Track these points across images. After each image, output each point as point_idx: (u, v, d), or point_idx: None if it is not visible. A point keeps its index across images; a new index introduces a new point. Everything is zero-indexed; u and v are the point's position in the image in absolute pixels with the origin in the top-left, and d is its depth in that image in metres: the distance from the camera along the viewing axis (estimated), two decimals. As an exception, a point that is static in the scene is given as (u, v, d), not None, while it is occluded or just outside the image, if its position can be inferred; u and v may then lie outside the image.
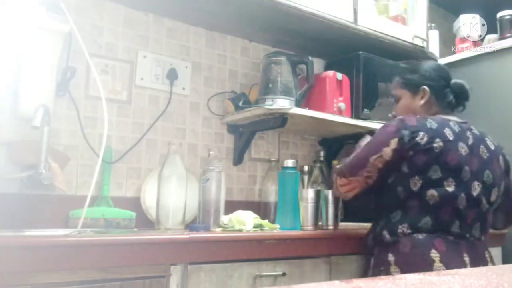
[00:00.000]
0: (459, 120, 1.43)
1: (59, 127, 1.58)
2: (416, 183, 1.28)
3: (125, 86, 1.75)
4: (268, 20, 1.86)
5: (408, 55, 2.24)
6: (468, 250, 1.29)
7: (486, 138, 1.43)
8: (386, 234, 1.32)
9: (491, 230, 2.03)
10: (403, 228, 1.29)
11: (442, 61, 2.43)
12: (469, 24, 2.44)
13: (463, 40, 2.45)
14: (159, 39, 1.85)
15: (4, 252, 0.92)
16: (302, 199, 1.57)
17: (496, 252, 2.00)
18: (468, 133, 1.38)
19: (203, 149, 1.90)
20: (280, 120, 1.78)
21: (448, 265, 1.22)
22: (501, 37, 2.30)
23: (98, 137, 1.64)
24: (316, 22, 1.85)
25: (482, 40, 2.41)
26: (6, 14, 1.41)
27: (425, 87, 1.45)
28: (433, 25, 2.46)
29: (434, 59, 2.39)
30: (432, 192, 1.28)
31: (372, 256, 1.37)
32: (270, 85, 1.82)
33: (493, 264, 1.37)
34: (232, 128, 1.98)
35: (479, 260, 1.31)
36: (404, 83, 1.51)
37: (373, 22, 2.02)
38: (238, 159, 1.99)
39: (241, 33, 2.04)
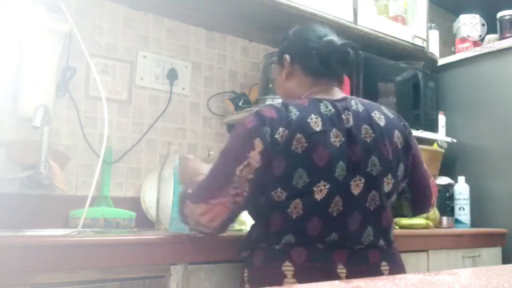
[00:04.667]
0: (335, 97, 1.11)
1: (59, 127, 1.58)
2: (280, 195, 1.00)
3: (125, 86, 1.75)
4: (268, 20, 1.86)
5: (408, 55, 2.24)
6: (348, 261, 1.02)
7: (374, 113, 1.11)
8: (243, 251, 1.10)
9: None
10: (261, 246, 1.05)
11: (442, 61, 2.43)
12: (469, 24, 2.44)
13: (463, 40, 2.45)
14: (159, 39, 1.85)
15: (4, 252, 0.92)
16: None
17: (496, 252, 2.00)
18: (346, 114, 1.06)
19: (203, 149, 1.90)
20: (280, 120, 1.78)
21: (306, 281, 0.86)
22: (501, 37, 2.30)
23: (98, 137, 1.64)
24: (316, 22, 1.84)
25: (482, 40, 2.41)
26: (6, 14, 1.41)
27: (286, 55, 1.17)
28: (433, 25, 2.46)
29: (434, 59, 2.39)
30: (296, 203, 1.00)
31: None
32: (270, 85, 1.82)
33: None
34: (232, 128, 1.98)
35: (367, 271, 1.02)
36: (276, 58, 1.26)
37: (373, 22, 2.02)
38: (238, 159, 1.98)
39: (241, 33, 2.04)
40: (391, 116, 1.15)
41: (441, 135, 2.30)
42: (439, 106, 2.35)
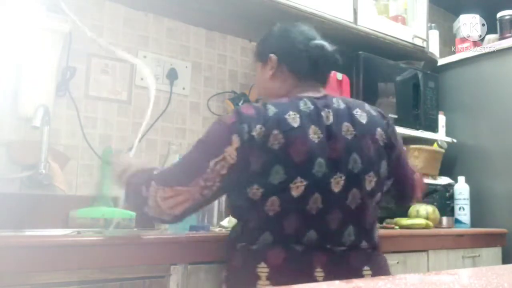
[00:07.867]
0: (316, 95, 1.11)
1: (59, 127, 1.58)
2: (255, 192, 0.99)
3: (125, 86, 1.75)
4: (268, 20, 1.84)
5: (408, 55, 2.24)
6: (326, 264, 1.00)
7: (356, 110, 1.10)
8: (224, 251, 1.12)
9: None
10: (240, 245, 1.05)
11: (442, 61, 2.43)
12: (469, 24, 2.44)
13: (463, 40, 2.45)
14: (159, 39, 1.84)
15: (4, 252, 0.92)
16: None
17: (496, 252, 2.00)
18: (326, 111, 1.06)
19: (203, 149, 1.90)
20: (280, 120, 1.78)
21: (280, 283, 0.92)
22: (501, 37, 2.30)
23: (98, 137, 1.64)
24: (316, 22, 1.84)
25: (482, 40, 2.41)
26: (6, 14, 1.41)
27: (271, 54, 1.17)
28: (433, 25, 2.46)
29: (434, 59, 2.39)
30: (272, 200, 0.98)
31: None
32: (270, 85, 1.81)
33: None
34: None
35: (347, 275, 0.90)
36: (255, 53, 1.26)
37: (373, 22, 2.02)
38: (238, 159, 1.97)
39: (241, 33, 2.04)
40: (374, 113, 1.13)
41: (441, 135, 2.30)
42: (439, 106, 2.35)
